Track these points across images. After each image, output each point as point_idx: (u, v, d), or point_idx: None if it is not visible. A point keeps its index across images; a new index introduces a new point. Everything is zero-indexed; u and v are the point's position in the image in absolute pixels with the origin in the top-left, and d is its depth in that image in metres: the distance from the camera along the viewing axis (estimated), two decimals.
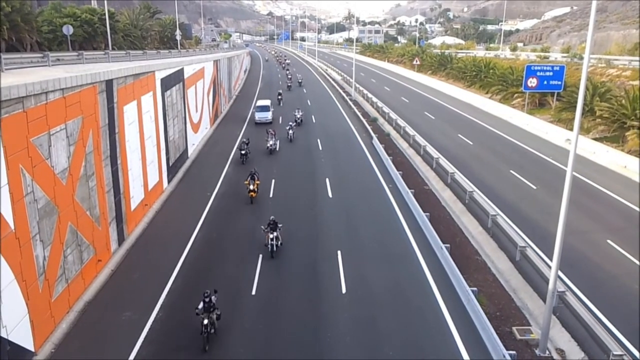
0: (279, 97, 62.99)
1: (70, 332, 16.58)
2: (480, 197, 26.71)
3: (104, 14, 38.76)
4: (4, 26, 29.84)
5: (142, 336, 16.38)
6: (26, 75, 16.64)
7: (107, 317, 17.60)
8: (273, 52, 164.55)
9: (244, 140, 38.62)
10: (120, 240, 22.59)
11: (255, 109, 52.20)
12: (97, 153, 19.97)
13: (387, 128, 48.99)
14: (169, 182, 31.12)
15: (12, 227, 13.95)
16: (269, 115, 50.49)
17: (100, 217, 20.29)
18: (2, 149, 13.54)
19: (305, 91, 74.46)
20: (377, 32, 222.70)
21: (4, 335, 13.46)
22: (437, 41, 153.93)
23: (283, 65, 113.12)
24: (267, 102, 53.25)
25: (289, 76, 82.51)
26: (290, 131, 43.30)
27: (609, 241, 22.40)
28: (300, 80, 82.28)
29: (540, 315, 16.82)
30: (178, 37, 59.34)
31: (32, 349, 14.94)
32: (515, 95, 56.97)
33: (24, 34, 32.37)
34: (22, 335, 14.35)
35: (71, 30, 32.97)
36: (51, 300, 16.14)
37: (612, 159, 34.43)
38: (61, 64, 22.41)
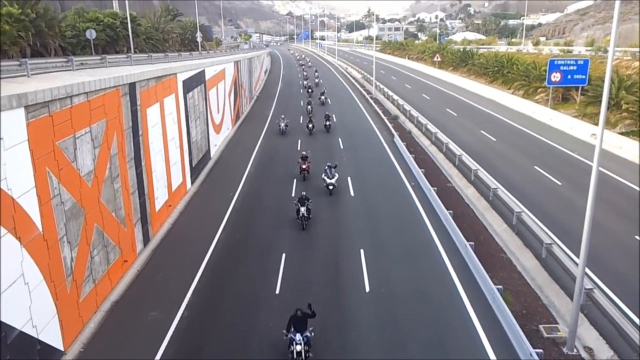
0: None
1: (98, 331, 16.85)
2: (504, 193, 26.41)
3: (126, 18, 39.24)
4: (29, 32, 30.50)
5: (168, 335, 16.56)
6: (51, 80, 16.94)
7: (133, 316, 17.84)
8: (297, 62, 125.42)
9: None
10: (146, 240, 22.89)
11: None
12: (121, 155, 20.24)
13: (409, 126, 48.69)
14: (192, 182, 31.40)
15: (40, 229, 14.23)
16: None
17: (126, 218, 20.57)
18: (29, 152, 13.82)
19: (325, 89, 74.31)
20: (397, 29, 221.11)
21: (34, 334, 13.76)
22: (457, 37, 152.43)
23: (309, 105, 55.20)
24: None
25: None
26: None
27: (637, 237, 21.94)
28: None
29: (567, 313, 16.55)
30: (199, 39, 59.73)
31: (62, 349, 15.22)
32: (539, 90, 56.09)
33: (48, 39, 33.05)
34: (51, 335, 14.63)
35: (94, 34, 33.43)
36: (79, 300, 16.42)
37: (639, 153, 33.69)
38: (85, 68, 22.73)
